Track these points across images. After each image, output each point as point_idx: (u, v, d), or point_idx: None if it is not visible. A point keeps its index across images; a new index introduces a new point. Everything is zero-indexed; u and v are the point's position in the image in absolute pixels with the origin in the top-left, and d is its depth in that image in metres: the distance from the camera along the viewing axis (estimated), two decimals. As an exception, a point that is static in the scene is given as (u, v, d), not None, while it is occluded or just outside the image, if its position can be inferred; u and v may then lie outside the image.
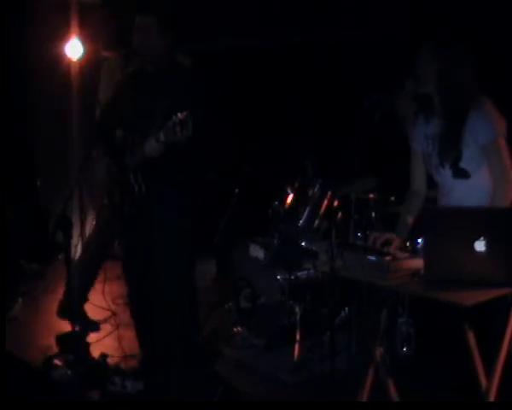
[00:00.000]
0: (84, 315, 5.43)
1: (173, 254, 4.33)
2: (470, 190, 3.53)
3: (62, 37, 5.81)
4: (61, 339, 5.00)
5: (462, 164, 3.52)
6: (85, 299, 5.45)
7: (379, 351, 3.77)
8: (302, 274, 4.96)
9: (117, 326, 5.23)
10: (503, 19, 4.93)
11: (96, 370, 4.51)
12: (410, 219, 3.67)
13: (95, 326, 5.41)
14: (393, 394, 3.77)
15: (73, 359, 4.56)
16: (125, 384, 4.30)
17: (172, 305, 4.38)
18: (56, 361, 4.59)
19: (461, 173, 3.54)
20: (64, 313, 5.29)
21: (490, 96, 3.54)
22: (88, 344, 4.99)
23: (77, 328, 4.76)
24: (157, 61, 4.26)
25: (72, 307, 5.14)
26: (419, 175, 3.75)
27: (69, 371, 4.43)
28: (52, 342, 5.04)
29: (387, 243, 3.54)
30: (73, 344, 4.65)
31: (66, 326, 4.99)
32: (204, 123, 3.97)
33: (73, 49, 5.81)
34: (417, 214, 3.66)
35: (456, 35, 3.62)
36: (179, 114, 3.85)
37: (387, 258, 3.33)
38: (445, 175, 3.60)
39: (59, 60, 5.75)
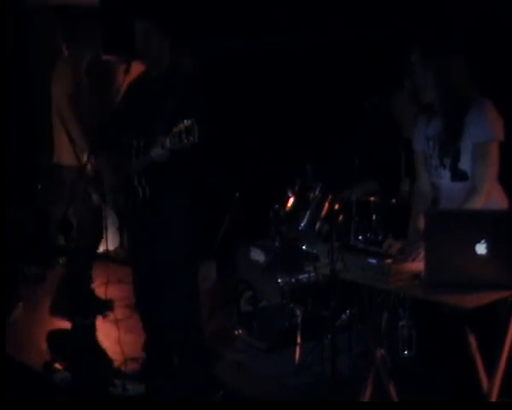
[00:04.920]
0: (95, 298, 5.55)
1: (176, 258, 4.34)
2: (468, 193, 3.51)
3: (61, 40, 5.81)
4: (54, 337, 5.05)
5: (461, 166, 3.52)
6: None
7: (380, 353, 3.77)
8: (303, 277, 4.97)
9: (118, 329, 5.22)
10: (500, 19, 4.93)
11: (97, 373, 4.52)
12: (420, 223, 3.66)
13: (108, 306, 5.48)
14: (394, 396, 3.78)
15: (74, 362, 4.58)
16: (127, 387, 4.31)
17: (174, 308, 4.39)
18: (57, 365, 4.59)
19: (459, 176, 3.53)
20: (57, 310, 5.32)
21: (489, 96, 3.55)
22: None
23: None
24: (160, 62, 4.28)
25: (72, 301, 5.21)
26: (423, 175, 3.74)
27: (70, 375, 4.44)
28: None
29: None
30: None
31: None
32: (207, 126, 3.98)
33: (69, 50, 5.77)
34: None
35: (449, 35, 3.62)
36: (185, 121, 3.87)
37: (388, 261, 3.34)
38: (444, 177, 3.59)
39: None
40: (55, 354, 4.75)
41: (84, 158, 5.12)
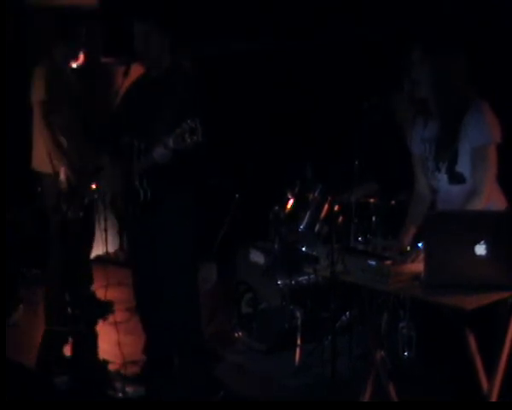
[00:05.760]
0: (96, 301, 5.56)
1: (177, 259, 4.34)
2: (467, 195, 3.50)
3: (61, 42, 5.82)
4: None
5: (459, 168, 3.52)
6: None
7: (380, 355, 3.77)
8: (303, 279, 4.97)
9: (118, 332, 5.22)
10: (499, 21, 4.93)
11: (97, 376, 4.52)
12: (413, 228, 3.67)
13: (109, 308, 5.51)
14: (394, 397, 3.78)
15: (74, 364, 4.59)
16: (126, 390, 4.30)
17: (174, 309, 4.39)
18: (57, 367, 4.60)
19: (456, 178, 3.53)
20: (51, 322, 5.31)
21: (486, 98, 3.55)
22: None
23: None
24: (159, 63, 4.29)
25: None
26: (421, 177, 3.74)
27: (70, 378, 4.44)
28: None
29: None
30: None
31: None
32: (206, 126, 3.99)
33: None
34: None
35: (451, 36, 3.62)
36: (189, 122, 3.87)
37: (388, 262, 3.34)
38: (441, 180, 3.59)
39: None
40: (51, 358, 4.78)
41: (61, 169, 5.07)
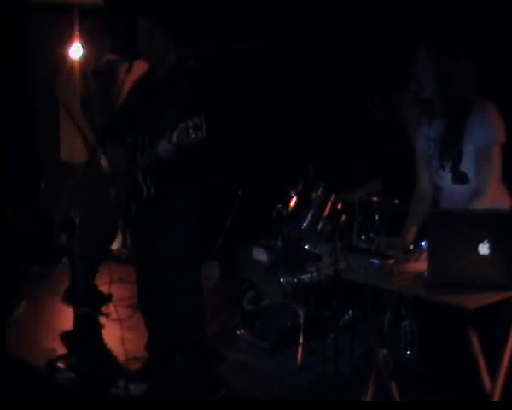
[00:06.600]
0: (94, 292, 5.62)
1: (180, 254, 4.35)
2: (470, 194, 3.51)
3: (65, 39, 5.85)
4: (66, 337, 5.04)
5: (462, 168, 3.52)
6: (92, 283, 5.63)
7: (382, 354, 3.77)
8: (305, 277, 4.97)
9: (121, 329, 5.23)
10: (502, 21, 4.93)
11: (100, 372, 4.53)
12: (414, 226, 3.67)
13: (108, 299, 5.56)
14: (396, 396, 3.79)
15: (77, 361, 4.59)
16: (129, 387, 4.31)
17: (177, 306, 4.40)
18: (60, 364, 4.61)
19: (460, 178, 3.53)
20: (67, 298, 5.35)
21: (490, 98, 3.55)
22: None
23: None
24: (164, 60, 4.30)
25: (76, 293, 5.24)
26: (424, 176, 3.74)
27: (73, 374, 4.45)
28: (56, 344, 5.05)
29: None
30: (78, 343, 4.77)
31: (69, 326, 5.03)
32: (209, 125, 3.99)
33: (76, 52, 5.83)
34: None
35: (454, 36, 3.62)
36: (194, 118, 3.88)
37: (391, 261, 3.34)
38: (445, 179, 3.60)
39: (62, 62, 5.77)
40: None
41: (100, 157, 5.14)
